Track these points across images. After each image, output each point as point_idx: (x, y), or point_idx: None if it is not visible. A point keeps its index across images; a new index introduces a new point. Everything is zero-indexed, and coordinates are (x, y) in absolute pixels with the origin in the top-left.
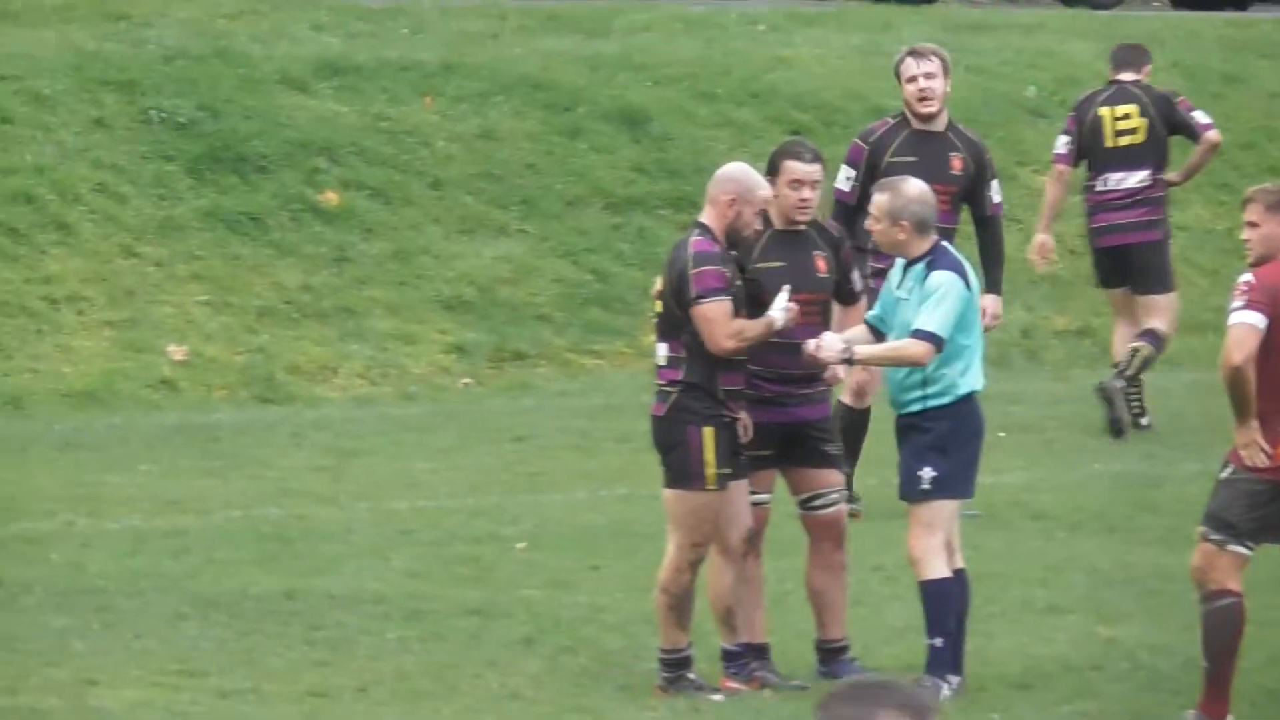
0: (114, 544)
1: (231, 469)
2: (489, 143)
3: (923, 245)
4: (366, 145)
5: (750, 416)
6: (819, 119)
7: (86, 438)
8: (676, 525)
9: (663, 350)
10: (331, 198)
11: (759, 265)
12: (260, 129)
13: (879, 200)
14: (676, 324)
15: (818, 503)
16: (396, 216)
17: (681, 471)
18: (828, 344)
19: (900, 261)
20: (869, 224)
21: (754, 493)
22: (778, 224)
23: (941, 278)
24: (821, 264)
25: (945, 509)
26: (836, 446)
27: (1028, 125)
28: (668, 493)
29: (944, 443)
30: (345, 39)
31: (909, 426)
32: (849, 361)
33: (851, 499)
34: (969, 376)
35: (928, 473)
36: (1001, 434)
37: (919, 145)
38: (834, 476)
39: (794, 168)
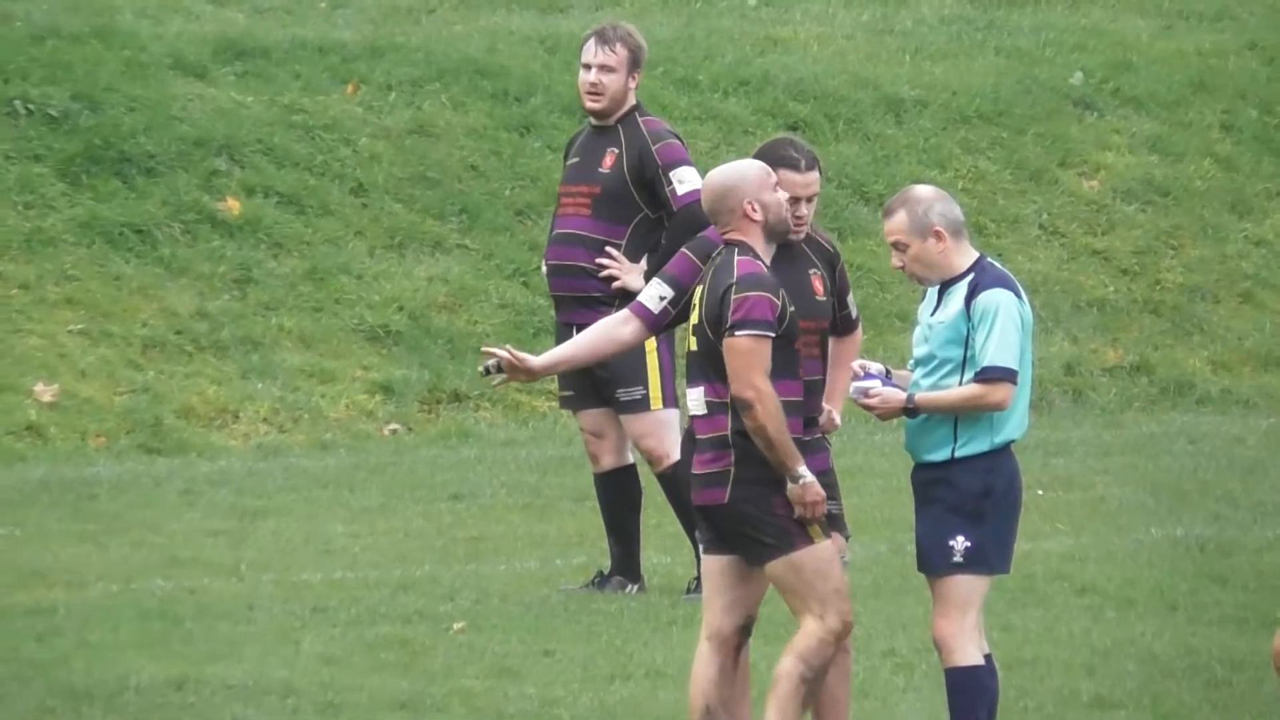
0: None
1: (110, 533)
2: (423, 140)
3: (964, 259)
4: (276, 143)
5: None
6: (821, 111)
7: None
8: (805, 597)
9: (697, 395)
10: (233, 206)
11: None
12: (148, 123)
13: (896, 222)
14: (718, 361)
15: None
16: (311, 229)
17: (783, 537)
18: (886, 393)
19: (934, 288)
20: (895, 262)
21: None
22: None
23: (994, 298)
24: (818, 285)
25: (980, 585)
26: (839, 505)
27: (1072, 119)
28: (777, 566)
29: (979, 504)
30: (251, 15)
31: (933, 481)
32: (909, 413)
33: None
34: (1012, 421)
35: (960, 542)
36: (1040, 491)
37: (585, 146)
38: (835, 541)
39: (786, 179)
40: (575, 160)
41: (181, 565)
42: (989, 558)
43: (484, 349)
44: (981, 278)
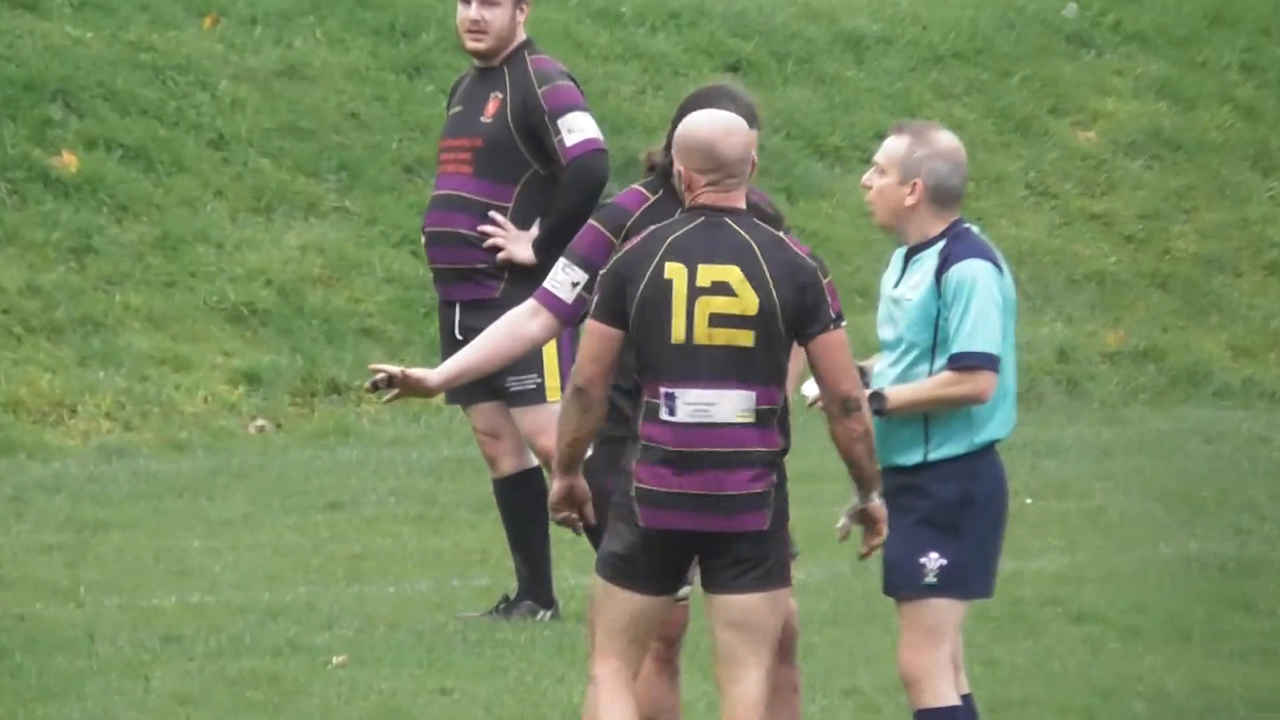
0: None
1: None
2: (295, 83)
3: (936, 225)
4: (120, 86)
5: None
6: (767, 49)
7: None
8: (766, 640)
9: (742, 401)
10: (69, 162)
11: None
12: None
13: (893, 146)
14: (777, 359)
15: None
16: (162, 189)
17: (781, 568)
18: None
19: (899, 253)
20: (866, 181)
21: None
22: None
23: (968, 270)
24: None
25: (954, 611)
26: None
27: (1065, 58)
28: (757, 599)
29: (954, 516)
30: None
31: (902, 489)
32: (879, 413)
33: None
34: (995, 418)
35: (934, 560)
36: (1029, 500)
37: (467, 92)
38: None
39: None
40: (457, 109)
41: (9, 587)
42: (966, 578)
43: (371, 366)
44: (954, 246)
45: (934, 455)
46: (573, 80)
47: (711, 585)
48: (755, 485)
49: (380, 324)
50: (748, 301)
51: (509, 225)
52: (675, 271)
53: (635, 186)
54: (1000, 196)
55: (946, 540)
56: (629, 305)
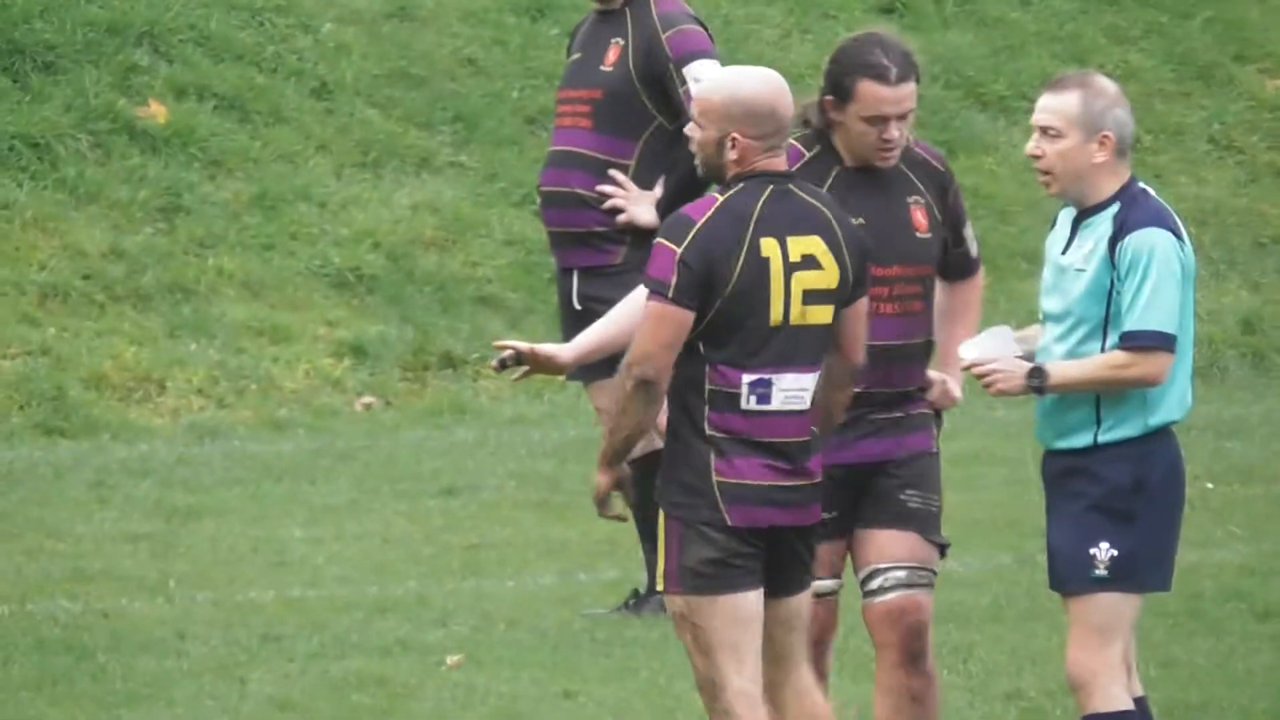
0: None
1: (7, 539)
2: (405, 26)
3: (1113, 182)
4: (213, 30)
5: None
6: None
7: None
8: (805, 635)
9: (808, 384)
10: (158, 112)
11: None
12: (47, 3)
13: (1064, 104)
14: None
15: (873, 585)
16: (259, 142)
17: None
18: (1005, 363)
19: (1066, 214)
20: (1033, 149)
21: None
22: (848, 159)
23: (1147, 240)
24: (920, 218)
25: (1128, 606)
26: (927, 499)
27: None
28: (806, 595)
29: (1127, 502)
30: None
31: (1070, 473)
32: (1037, 390)
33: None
34: (1170, 398)
35: (1105, 550)
36: (1210, 485)
37: (587, 37)
38: (906, 544)
39: (870, 93)
40: (576, 57)
41: (91, 580)
42: (1140, 570)
43: (497, 344)
44: (1130, 212)
45: (1105, 438)
46: (700, 24)
47: (780, 588)
48: (818, 475)
49: (499, 291)
50: (831, 274)
51: (630, 185)
52: (770, 248)
53: (790, 140)
54: (1180, 151)
55: (1118, 529)
56: (719, 288)
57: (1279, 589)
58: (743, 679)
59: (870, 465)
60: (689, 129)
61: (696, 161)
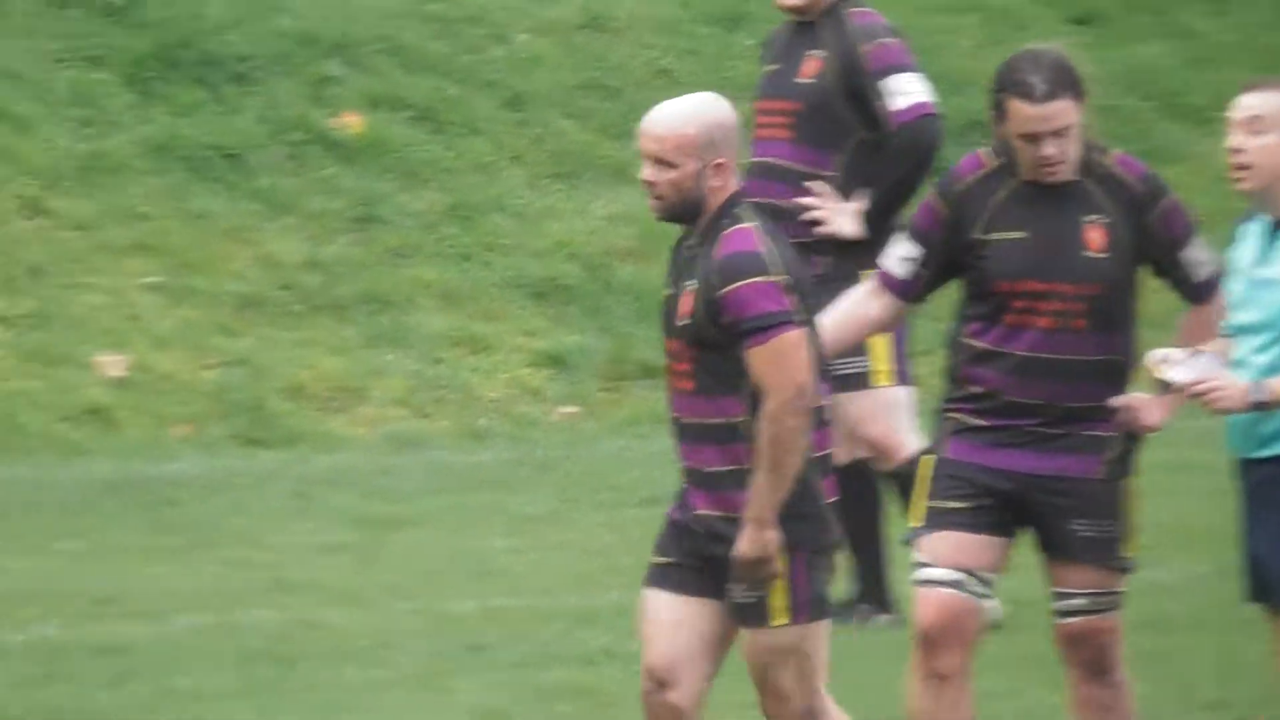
0: (17, 665)
1: (199, 549)
2: (598, 36)
3: None
4: (406, 41)
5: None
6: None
7: None
8: None
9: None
10: (352, 123)
11: (991, 236)
12: (240, 15)
13: (1267, 99)
14: None
15: (1057, 606)
16: (454, 152)
17: None
18: (1225, 383)
19: (1256, 226)
20: (1235, 143)
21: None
22: (1025, 173)
23: None
24: (1094, 236)
25: None
26: (1100, 526)
27: None
28: None
29: None
30: None
31: (1271, 480)
32: (1262, 407)
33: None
34: None
35: None
36: None
37: (783, 48)
38: (1083, 574)
39: (1015, 110)
40: (772, 68)
41: (293, 591)
42: None
43: None
44: None
45: None
46: (900, 36)
47: None
48: None
49: None
50: None
51: (831, 196)
52: None
53: (978, 150)
54: None
55: None
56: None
57: None
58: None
59: (1019, 476)
60: (646, 175)
61: (660, 205)
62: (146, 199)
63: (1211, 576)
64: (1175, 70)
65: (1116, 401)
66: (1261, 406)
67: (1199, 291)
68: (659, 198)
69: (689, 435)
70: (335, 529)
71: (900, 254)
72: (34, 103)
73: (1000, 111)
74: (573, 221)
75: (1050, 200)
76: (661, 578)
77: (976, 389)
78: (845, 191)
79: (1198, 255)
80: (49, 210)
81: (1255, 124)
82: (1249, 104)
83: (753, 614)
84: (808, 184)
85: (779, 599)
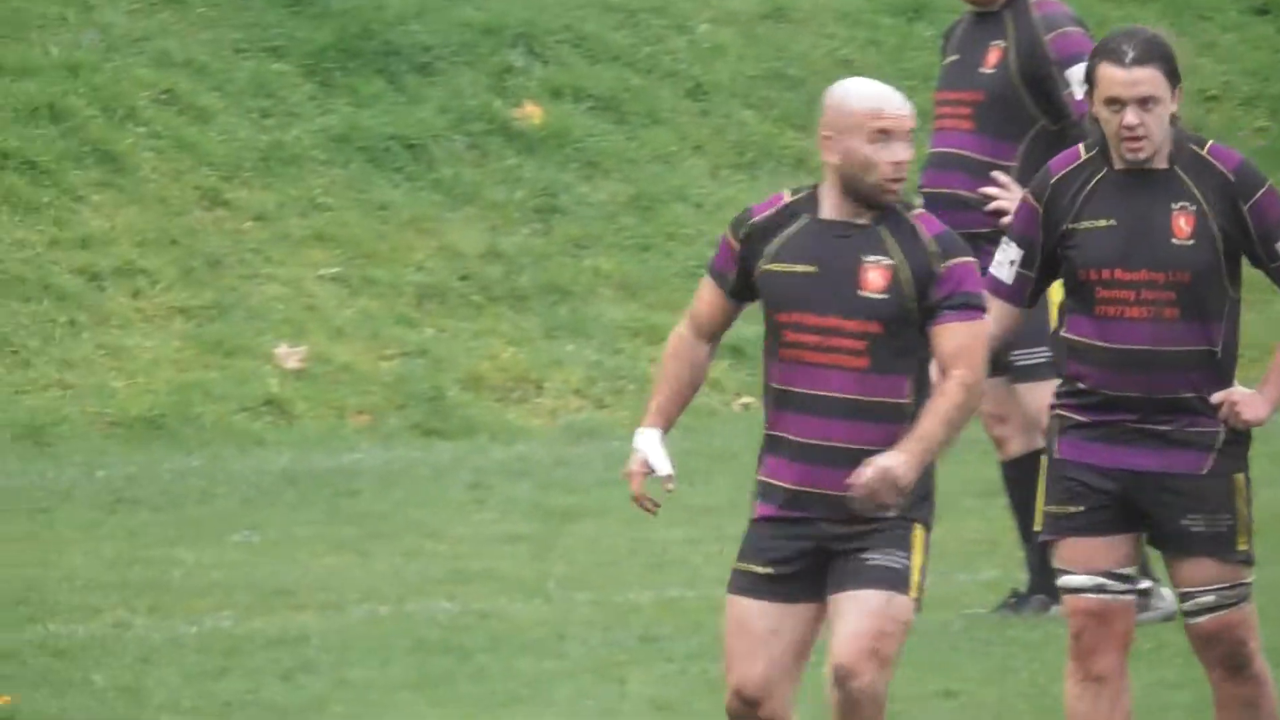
0: (191, 657)
1: (376, 539)
2: (780, 26)
3: None
4: (588, 31)
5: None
6: None
7: (146, 490)
8: None
9: None
10: (533, 113)
11: (1080, 225)
12: (422, 6)
13: None
14: None
15: (1185, 606)
16: (635, 143)
17: None
18: None
19: None
20: None
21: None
22: (1117, 161)
23: None
24: (1182, 223)
25: None
26: (1213, 520)
27: None
28: None
29: None
30: None
31: None
32: None
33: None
34: None
35: None
36: None
37: (964, 39)
38: (1202, 569)
39: (1103, 74)
40: (953, 58)
41: (470, 581)
42: None
43: None
44: None
45: None
46: (1083, 26)
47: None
48: None
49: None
50: None
51: (1014, 186)
52: None
53: (1077, 145)
54: None
55: None
56: None
57: None
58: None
59: (1126, 474)
60: (826, 156)
61: (842, 184)
62: (326, 190)
63: None
64: None
65: (1218, 396)
66: None
67: None
68: (854, 172)
69: (844, 413)
70: (512, 520)
71: (1005, 258)
72: (214, 94)
73: (1091, 82)
74: None
75: (1140, 188)
76: (755, 585)
77: (1079, 384)
78: (1025, 181)
79: None
80: (228, 201)
81: None
82: None
83: (898, 581)
84: (993, 174)
85: (915, 574)
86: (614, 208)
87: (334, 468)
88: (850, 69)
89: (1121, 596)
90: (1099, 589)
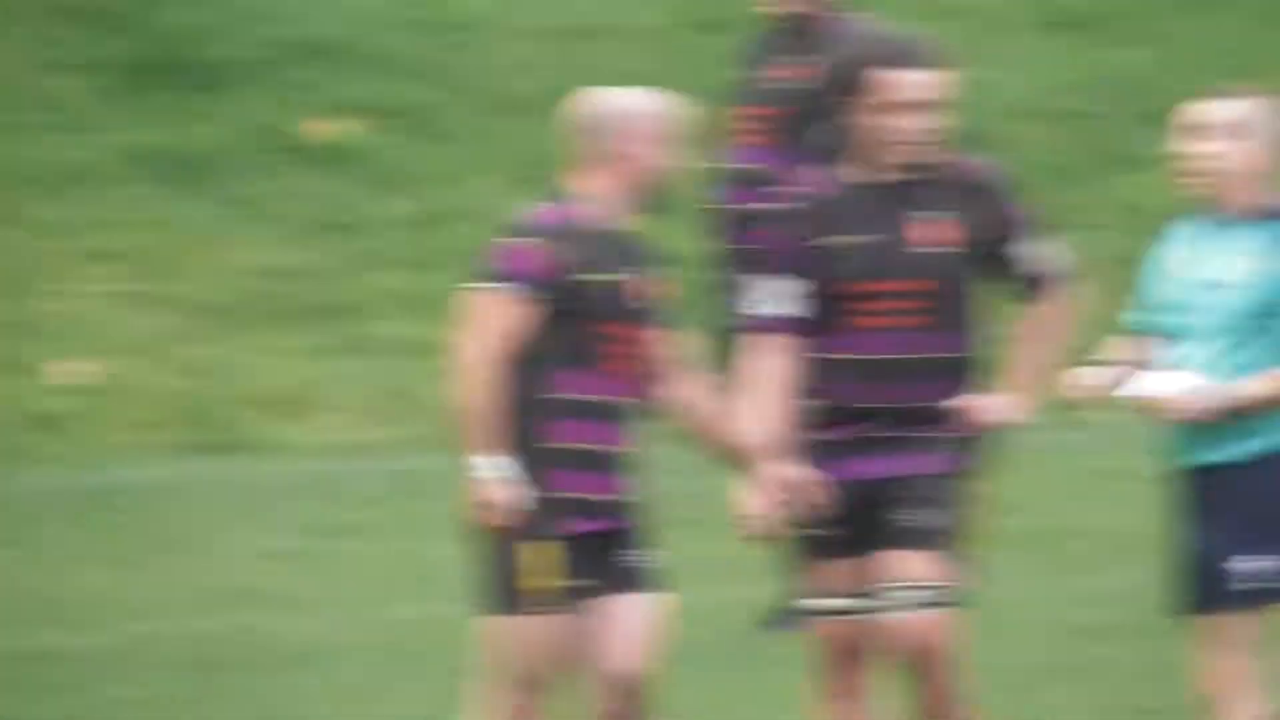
0: None
1: (149, 557)
2: (581, 42)
3: (1265, 195)
4: (387, 46)
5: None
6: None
7: None
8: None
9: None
10: (326, 128)
11: (829, 240)
12: (219, 22)
13: (1227, 108)
14: None
15: (888, 600)
16: (423, 159)
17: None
18: (1184, 389)
19: (1195, 228)
20: (1191, 150)
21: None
22: (864, 173)
23: None
24: (927, 231)
25: (1261, 620)
26: (929, 516)
27: None
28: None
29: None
30: None
31: (1213, 486)
32: (1221, 413)
33: None
34: None
35: (1251, 565)
36: None
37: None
38: (907, 562)
39: (893, 80)
40: (755, 73)
41: (241, 598)
42: None
43: None
44: None
45: (1258, 450)
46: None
47: None
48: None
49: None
50: None
51: None
52: None
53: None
54: None
55: (1268, 543)
56: None
57: None
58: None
59: (871, 484)
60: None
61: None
62: (116, 206)
63: (1151, 584)
64: (1152, 76)
65: (961, 402)
66: (1222, 412)
67: (1038, 289)
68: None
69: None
70: (285, 536)
71: (784, 292)
72: (6, 110)
73: (859, 87)
74: None
75: (885, 199)
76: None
77: (823, 399)
78: None
79: (1037, 252)
80: (22, 218)
81: (1215, 131)
82: (1207, 112)
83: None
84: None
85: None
86: (401, 224)
87: (110, 484)
88: (653, 85)
89: (867, 617)
90: (845, 611)
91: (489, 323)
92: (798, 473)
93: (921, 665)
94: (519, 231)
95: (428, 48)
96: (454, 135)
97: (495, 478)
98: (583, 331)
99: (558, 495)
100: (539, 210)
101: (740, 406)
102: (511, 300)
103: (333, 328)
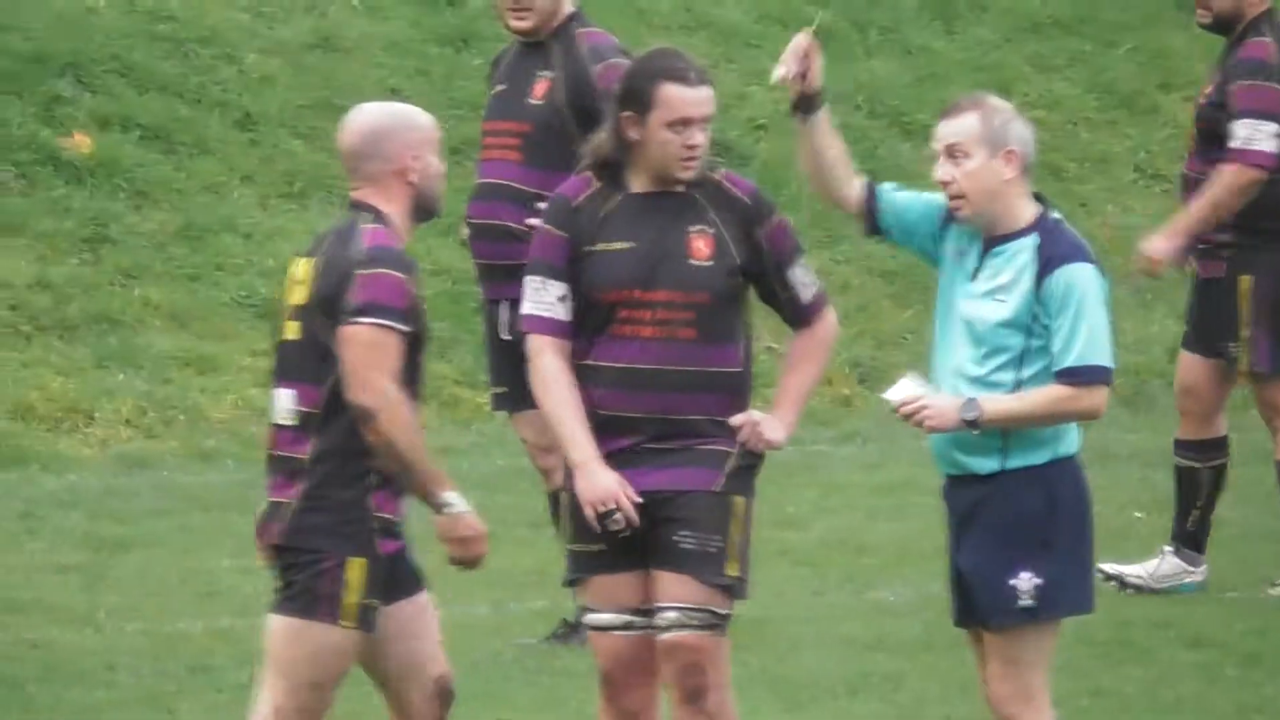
0: None
1: None
2: (330, 56)
3: (1026, 210)
4: (136, 60)
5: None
6: (848, 18)
7: None
8: (278, 671)
9: (288, 400)
10: (82, 143)
11: (596, 248)
12: None
13: (964, 125)
14: (319, 354)
15: (655, 621)
16: (184, 173)
17: (307, 597)
18: (938, 402)
19: (967, 242)
20: (943, 175)
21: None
22: (636, 184)
23: (1075, 275)
24: (700, 245)
25: (1051, 632)
26: (704, 541)
27: (1176, 27)
28: (277, 622)
29: (1045, 528)
30: None
31: (977, 500)
32: (971, 425)
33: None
34: (1073, 427)
35: (1028, 580)
36: (1139, 514)
37: (511, 69)
38: (680, 585)
39: (671, 96)
40: (501, 88)
41: (19, 611)
42: (1066, 597)
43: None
44: (1055, 247)
45: (1015, 464)
46: (629, 56)
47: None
48: (280, 494)
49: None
50: (304, 292)
51: None
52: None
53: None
54: (1106, 179)
55: (1038, 557)
56: None
57: (1206, 617)
58: None
59: (643, 496)
60: (410, 177)
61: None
62: None
63: (941, 596)
64: (903, 88)
65: (738, 419)
66: (973, 425)
67: (807, 312)
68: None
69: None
70: (63, 550)
71: (551, 296)
72: None
73: (645, 103)
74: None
75: (658, 211)
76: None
77: (590, 407)
78: None
79: (804, 276)
80: None
81: (955, 150)
82: (945, 130)
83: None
84: (538, 205)
85: None
86: (163, 237)
87: None
88: (399, 98)
89: (648, 632)
90: (627, 626)
91: (387, 360)
92: (606, 477)
93: (691, 687)
94: (376, 262)
95: (175, 62)
96: (208, 149)
97: (466, 510)
98: (412, 361)
99: (381, 516)
100: (373, 235)
101: (544, 408)
102: (397, 334)
103: (100, 341)
